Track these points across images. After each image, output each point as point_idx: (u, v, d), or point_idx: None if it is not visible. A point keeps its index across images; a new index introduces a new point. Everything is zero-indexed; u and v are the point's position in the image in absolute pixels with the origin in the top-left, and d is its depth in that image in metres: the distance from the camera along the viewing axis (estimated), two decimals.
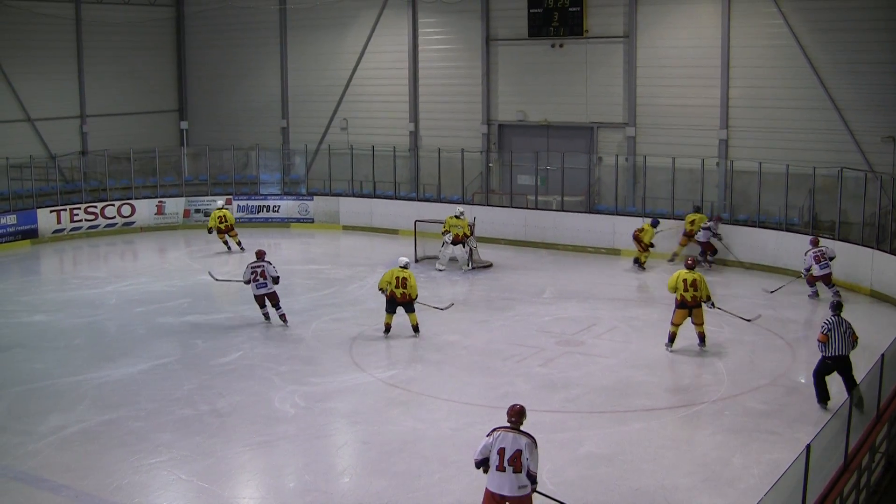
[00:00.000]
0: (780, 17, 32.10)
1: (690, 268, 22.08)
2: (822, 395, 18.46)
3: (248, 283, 24.99)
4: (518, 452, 12.21)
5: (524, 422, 12.74)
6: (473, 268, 30.80)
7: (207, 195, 40.69)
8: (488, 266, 31.21)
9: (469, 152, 37.40)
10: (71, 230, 37.91)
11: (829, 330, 17.96)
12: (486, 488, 12.52)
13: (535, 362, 21.48)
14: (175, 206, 40.15)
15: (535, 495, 12.55)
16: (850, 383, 17.96)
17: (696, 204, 32.13)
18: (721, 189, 33.23)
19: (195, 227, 39.60)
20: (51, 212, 37.55)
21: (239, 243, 34.74)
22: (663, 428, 17.69)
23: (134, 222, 39.31)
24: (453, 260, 31.06)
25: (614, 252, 32.78)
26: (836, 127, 31.54)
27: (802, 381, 20.12)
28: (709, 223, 30.42)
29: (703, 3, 33.64)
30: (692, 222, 30.85)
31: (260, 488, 15.75)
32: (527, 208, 35.63)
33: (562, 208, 35.00)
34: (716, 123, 33.44)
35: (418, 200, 38.14)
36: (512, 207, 35.97)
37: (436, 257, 31.22)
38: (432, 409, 18.75)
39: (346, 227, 38.90)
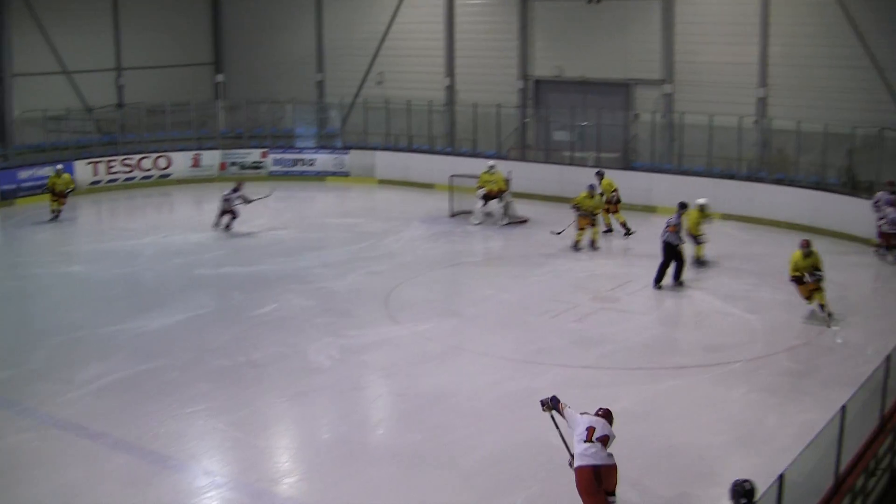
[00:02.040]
0: None
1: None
2: (658, 278, 23.62)
3: None
4: (606, 437, 12.21)
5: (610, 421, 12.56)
6: (509, 223, 30.79)
7: (243, 148, 40.85)
8: (524, 221, 31.16)
9: (505, 108, 37.32)
10: (108, 182, 38.12)
11: (675, 223, 23.76)
12: (579, 467, 12.18)
13: (569, 318, 21.49)
14: (211, 158, 40.29)
15: None
16: (678, 267, 23.66)
17: (600, 168, 30.93)
18: (758, 148, 32.99)
19: (231, 180, 39.70)
20: (87, 164, 37.77)
21: (59, 213, 32.61)
22: (697, 386, 17.68)
23: (170, 174, 39.48)
24: (489, 215, 31.06)
25: (650, 209, 32.64)
26: (876, 86, 31.17)
27: (839, 341, 20.06)
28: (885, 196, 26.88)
29: None
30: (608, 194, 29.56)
31: (295, 439, 15.89)
32: (563, 164, 35.53)
33: (598, 165, 34.79)
34: (754, 81, 33.14)
35: (454, 155, 38.12)
36: (548, 163, 35.90)
37: (470, 212, 31.21)
38: (467, 362, 18.82)
39: (381, 181, 38.91)
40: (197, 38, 45.86)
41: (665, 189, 32.21)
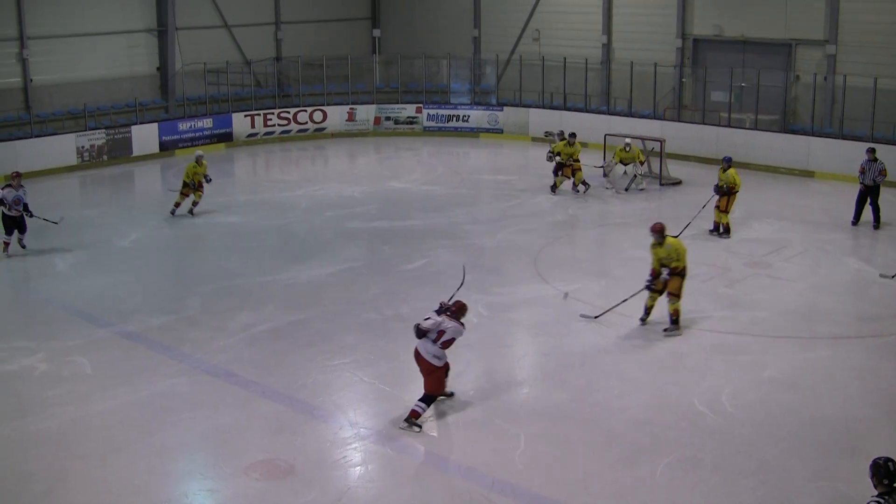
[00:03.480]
0: None
1: None
2: (856, 216, 25.77)
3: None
4: (441, 332, 14.37)
5: (463, 315, 14.68)
6: (662, 184, 30.50)
7: (398, 103, 41.17)
8: (678, 183, 30.83)
9: (662, 67, 36.79)
10: (264, 134, 38.93)
11: (864, 166, 25.57)
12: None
13: (720, 282, 21.27)
14: (366, 113, 40.75)
15: None
16: (875, 206, 25.55)
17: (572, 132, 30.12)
18: None
19: (385, 135, 40.18)
20: (245, 116, 38.64)
21: (194, 205, 27.91)
22: (850, 357, 17.32)
23: (325, 128, 40.07)
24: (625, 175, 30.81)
25: (808, 174, 31.96)
26: None
27: None
28: None
29: None
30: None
31: None
32: (719, 125, 34.93)
33: (755, 127, 34.20)
34: None
35: (609, 114, 37.81)
36: (704, 124, 35.34)
37: (624, 172, 30.88)
38: (614, 324, 18.68)
39: (535, 139, 38.78)
40: None
41: (824, 153, 31.50)
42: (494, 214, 27.38)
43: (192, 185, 27.57)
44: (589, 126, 36.64)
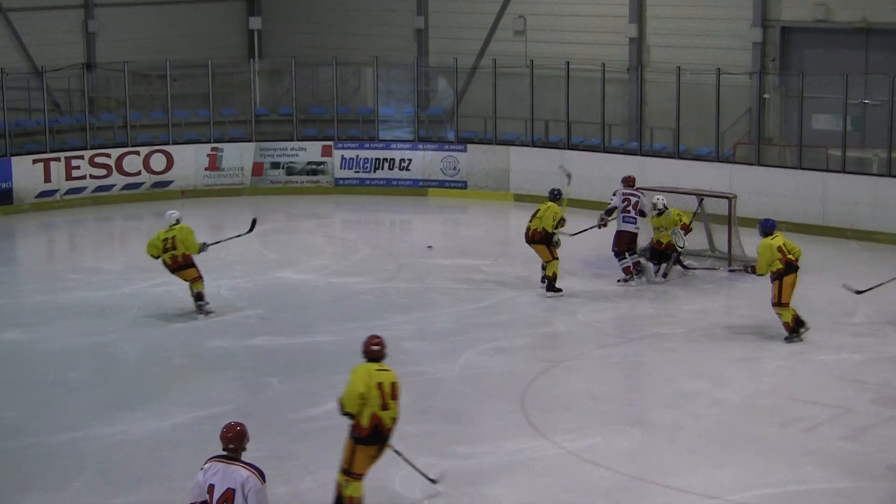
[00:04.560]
0: None
1: None
2: None
3: None
4: (230, 492, 13.42)
5: (245, 447, 13.82)
6: (731, 270, 30.55)
7: (292, 140, 41.08)
8: (754, 269, 30.86)
9: (730, 75, 37.01)
10: (67, 193, 38.68)
11: None
12: None
13: (836, 431, 21.10)
14: (238, 156, 40.65)
15: None
16: None
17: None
18: None
19: (272, 192, 40.11)
20: (35, 162, 38.39)
21: (198, 299, 28.01)
22: None
23: (171, 181, 39.94)
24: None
25: None
26: None
27: None
28: None
29: None
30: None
31: None
32: (827, 171, 35.14)
33: (888, 172, 34.41)
34: None
35: (642, 154, 37.91)
36: (801, 169, 35.52)
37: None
38: (651, 499, 18.64)
39: (519, 197, 38.83)
40: None
41: None
42: (454, 324, 27.33)
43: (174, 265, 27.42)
44: (610, 173, 36.52)
